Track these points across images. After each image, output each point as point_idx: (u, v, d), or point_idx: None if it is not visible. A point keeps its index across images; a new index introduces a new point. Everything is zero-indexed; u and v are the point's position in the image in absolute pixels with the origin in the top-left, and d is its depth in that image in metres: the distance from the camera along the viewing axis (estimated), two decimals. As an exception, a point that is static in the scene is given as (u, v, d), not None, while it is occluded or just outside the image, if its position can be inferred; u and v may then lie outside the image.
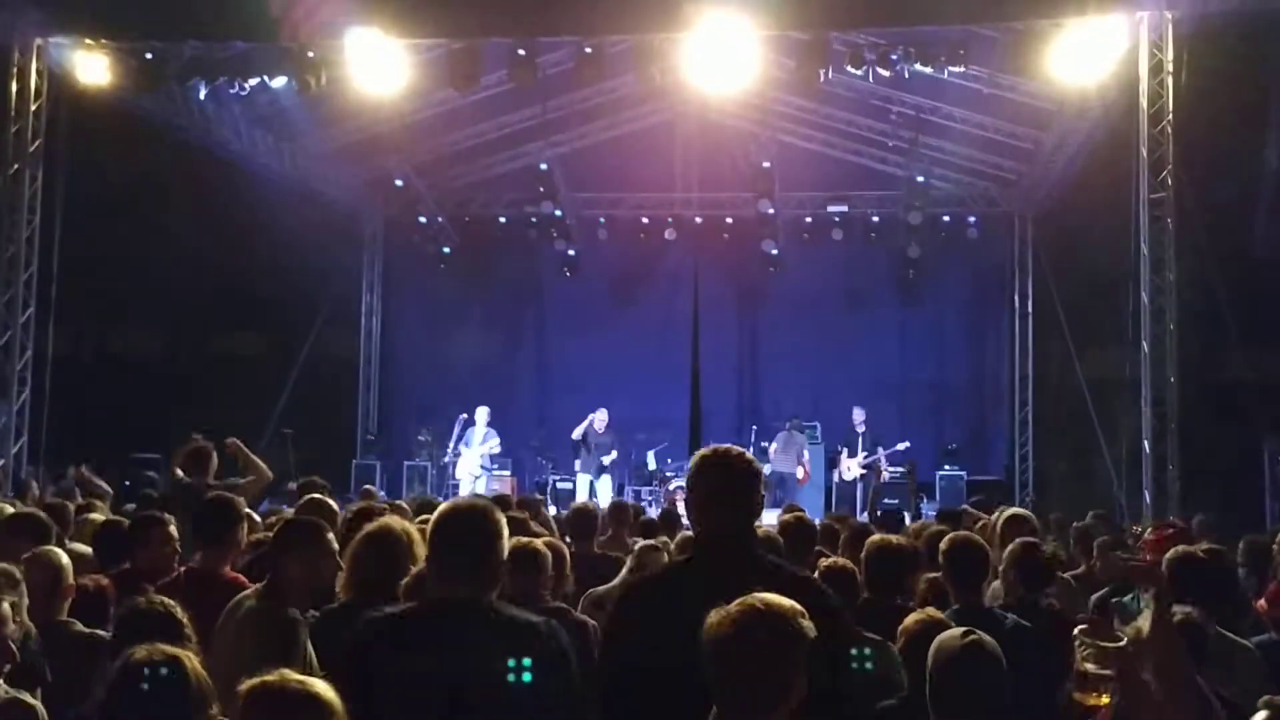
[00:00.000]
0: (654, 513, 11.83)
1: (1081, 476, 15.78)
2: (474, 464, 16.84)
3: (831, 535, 7.17)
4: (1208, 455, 13.13)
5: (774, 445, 17.06)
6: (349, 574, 4.62)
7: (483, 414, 17.08)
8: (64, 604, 4.74)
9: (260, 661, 2.66)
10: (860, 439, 17.44)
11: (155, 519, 5.67)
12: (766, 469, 17.10)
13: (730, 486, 3.48)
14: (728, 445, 3.65)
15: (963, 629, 3.52)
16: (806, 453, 17.21)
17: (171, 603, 4.02)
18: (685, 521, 8.96)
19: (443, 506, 3.62)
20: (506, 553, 3.56)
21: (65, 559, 4.85)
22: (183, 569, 5.10)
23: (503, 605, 3.42)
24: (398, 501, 8.81)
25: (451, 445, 17.20)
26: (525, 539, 5.12)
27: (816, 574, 5.06)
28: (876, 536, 5.71)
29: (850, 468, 17.37)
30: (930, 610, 4.27)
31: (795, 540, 5.86)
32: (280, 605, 4.34)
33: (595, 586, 5.64)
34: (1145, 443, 12.64)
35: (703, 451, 3.62)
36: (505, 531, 3.52)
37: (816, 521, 7.57)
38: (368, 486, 11.56)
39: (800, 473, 16.47)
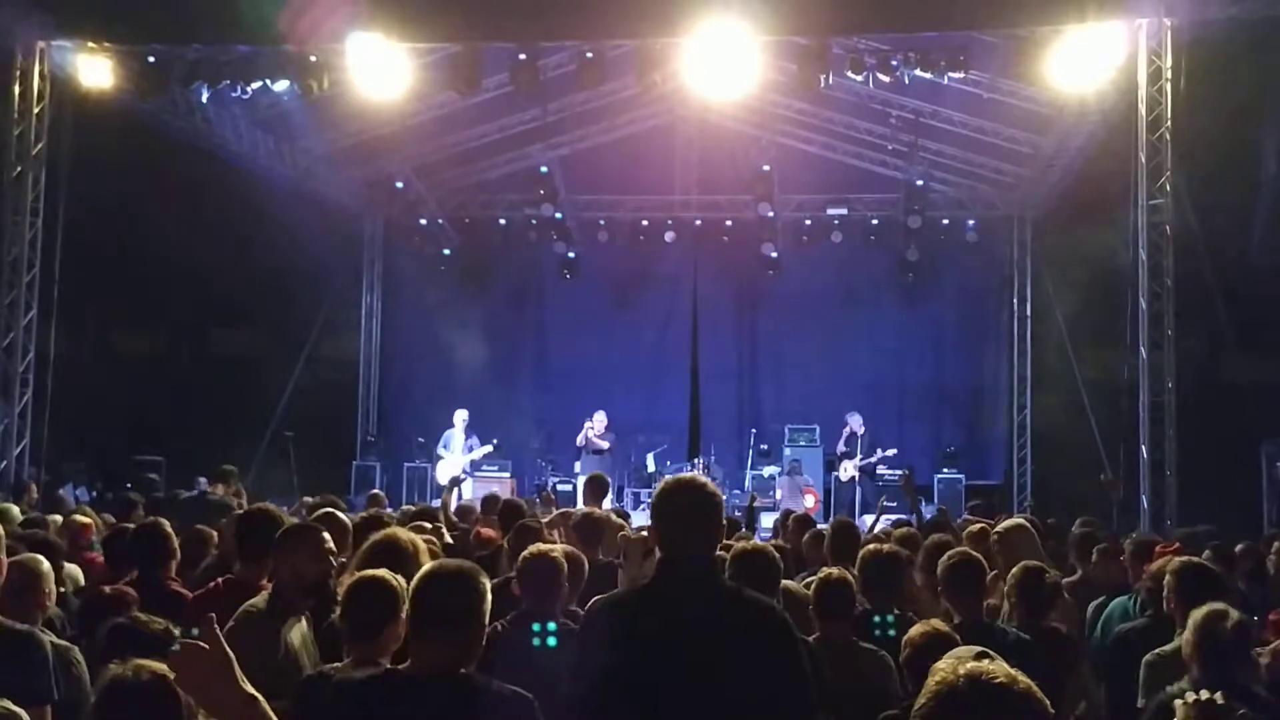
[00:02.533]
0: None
1: (1080, 480, 15.80)
2: (456, 468, 16.78)
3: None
4: (1205, 459, 13.18)
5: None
6: None
7: (460, 417, 17.00)
8: (40, 611, 4.84)
9: (240, 658, 2.70)
10: (859, 441, 17.53)
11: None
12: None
13: (694, 513, 3.61)
14: (692, 474, 3.76)
15: (977, 649, 3.55)
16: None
17: (158, 620, 4.14)
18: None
19: (424, 570, 3.58)
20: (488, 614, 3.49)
21: (46, 565, 4.95)
22: (221, 580, 5.16)
23: (479, 678, 3.38)
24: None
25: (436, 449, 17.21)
26: (546, 547, 5.17)
27: (814, 585, 5.14)
28: (870, 545, 5.76)
29: (847, 469, 17.48)
30: (935, 622, 4.32)
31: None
32: (272, 606, 4.46)
33: (599, 594, 5.67)
34: (1143, 447, 12.70)
35: (667, 479, 3.77)
36: (488, 595, 3.47)
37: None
38: (375, 492, 11.58)
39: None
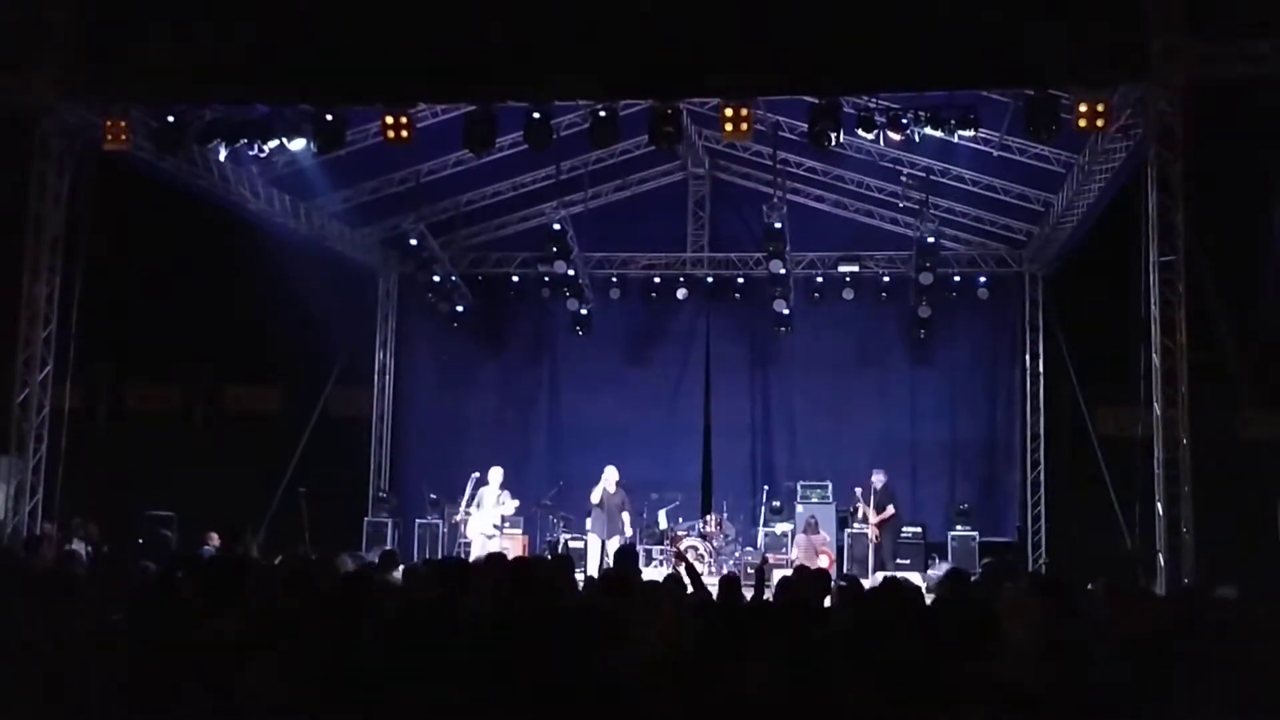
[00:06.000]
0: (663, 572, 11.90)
1: (1095, 538, 15.68)
2: (487, 524, 16.67)
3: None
4: (1223, 517, 13.06)
5: (795, 552, 16.98)
6: None
7: (496, 474, 16.85)
8: None
9: None
10: (873, 497, 17.54)
11: None
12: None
13: None
14: None
15: None
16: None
17: None
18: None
19: None
20: None
21: None
22: None
23: None
24: None
25: (464, 504, 17.02)
26: None
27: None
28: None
29: (868, 526, 17.51)
30: None
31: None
32: None
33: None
34: (1158, 504, 12.60)
35: None
36: None
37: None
38: (387, 548, 11.54)
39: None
